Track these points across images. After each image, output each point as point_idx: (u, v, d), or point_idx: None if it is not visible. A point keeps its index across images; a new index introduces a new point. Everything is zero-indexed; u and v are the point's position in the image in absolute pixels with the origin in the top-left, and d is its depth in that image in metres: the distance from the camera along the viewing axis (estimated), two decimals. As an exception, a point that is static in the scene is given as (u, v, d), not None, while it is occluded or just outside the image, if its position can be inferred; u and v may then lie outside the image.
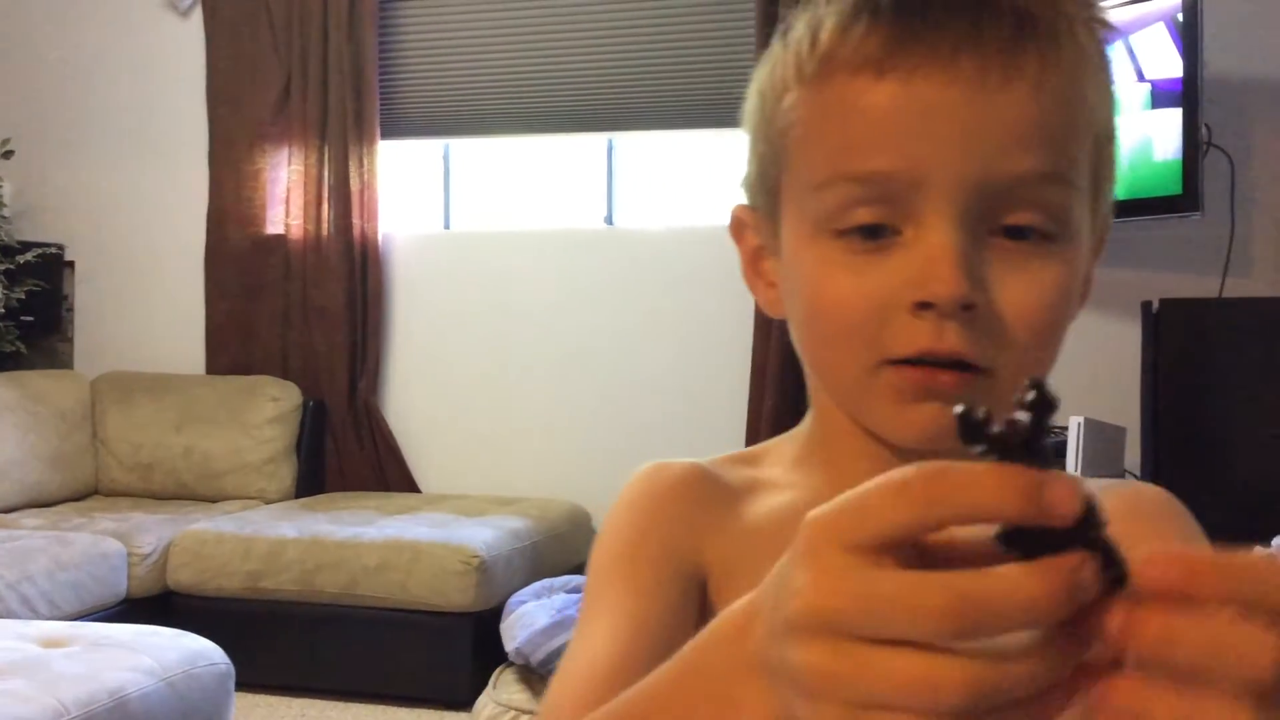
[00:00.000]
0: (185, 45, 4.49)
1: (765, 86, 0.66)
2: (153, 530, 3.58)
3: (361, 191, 4.26)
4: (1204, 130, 2.97)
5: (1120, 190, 0.67)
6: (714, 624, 0.43)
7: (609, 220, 4.24)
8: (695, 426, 3.95)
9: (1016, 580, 0.34)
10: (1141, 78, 2.98)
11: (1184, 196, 2.89)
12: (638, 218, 4.23)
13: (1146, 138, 2.97)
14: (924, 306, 0.58)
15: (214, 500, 4.07)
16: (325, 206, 4.31)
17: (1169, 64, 2.91)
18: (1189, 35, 2.88)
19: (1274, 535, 1.98)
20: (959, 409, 0.36)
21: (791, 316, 0.67)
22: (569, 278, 4.15)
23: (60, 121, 4.65)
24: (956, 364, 0.58)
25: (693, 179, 4.22)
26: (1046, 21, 0.58)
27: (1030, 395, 0.35)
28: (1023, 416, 0.35)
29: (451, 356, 4.27)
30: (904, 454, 0.62)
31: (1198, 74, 2.88)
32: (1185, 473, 2.49)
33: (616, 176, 4.25)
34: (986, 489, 0.34)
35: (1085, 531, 0.35)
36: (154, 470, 4.16)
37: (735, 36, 3.92)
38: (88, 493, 4.20)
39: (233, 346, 4.41)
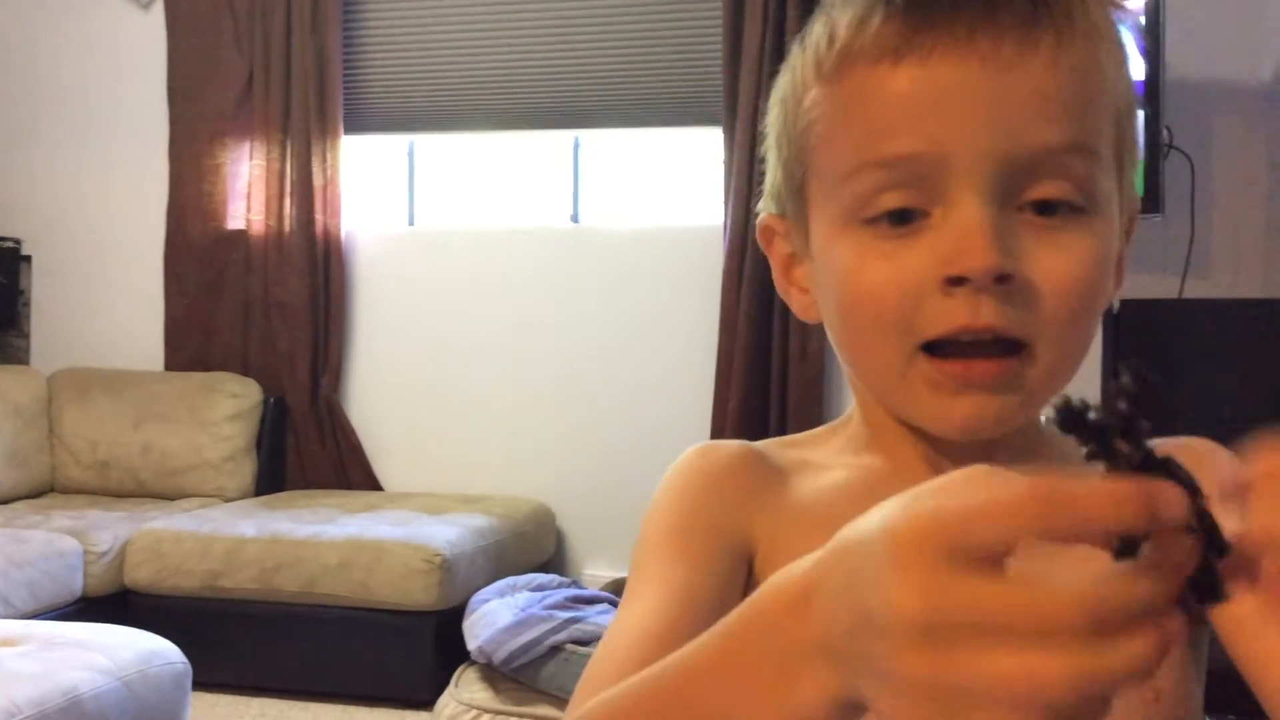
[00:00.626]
0: (146, 38, 4.43)
1: (786, 93, 0.67)
2: (109, 528, 3.53)
3: (324, 187, 4.22)
4: (1165, 133, 2.99)
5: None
6: (761, 597, 0.43)
7: (575, 218, 4.23)
8: (661, 425, 3.94)
9: (1142, 586, 0.35)
10: (1104, 80, 2.99)
11: (1145, 198, 2.91)
12: (604, 216, 4.21)
13: (1109, 140, 2.99)
14: (957, 282, 0.58)
15: (172, 498, 4.02)
16: (287, 202, 4.26)
17: (1132, 66, 2.93)
18: (1152, 37, 2.90)
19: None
20: (1059, 398, 0.37)
21: (826, 316, 0.67)
22: (534, 276, 4.13)
23: (18, 114, 4.58)
24: (994, 343, 0.59)
25: (659, 177, 4.21)
26: (1061, 1, 0.60)
27: (1127, 380, 0.37)
28: (1122, 404, 0.37)
29: (415, 354, 4.25)
30: (950, 445, 0.63)
31: (1160, 76, 2.90)
32: (1145, 472, 2.50)
33: (582, 174, 4.23)
34: (1101, 509, 0.35)
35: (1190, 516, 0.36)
36: (111, 467, 4.10)
37: (702, 34, 3.92)
38: (43, 490, 4.13)
39: (192, 342, 4.36)
